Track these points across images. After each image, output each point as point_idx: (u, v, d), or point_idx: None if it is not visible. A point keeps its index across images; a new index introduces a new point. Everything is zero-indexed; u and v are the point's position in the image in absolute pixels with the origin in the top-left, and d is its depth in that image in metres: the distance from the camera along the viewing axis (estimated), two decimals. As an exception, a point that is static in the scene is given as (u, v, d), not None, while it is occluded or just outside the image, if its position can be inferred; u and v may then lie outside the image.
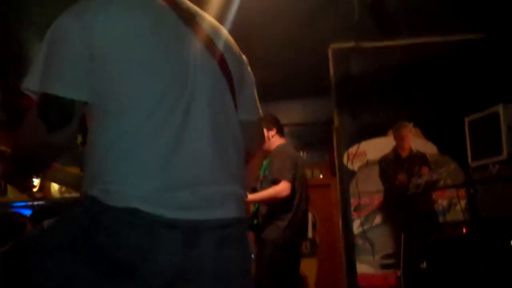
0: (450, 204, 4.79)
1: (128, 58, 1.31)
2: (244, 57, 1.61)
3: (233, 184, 1.40)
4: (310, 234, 7.10)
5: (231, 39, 1.57)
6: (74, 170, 1.70)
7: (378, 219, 4.96)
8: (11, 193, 6.71)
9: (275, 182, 3.91)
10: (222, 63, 1.47)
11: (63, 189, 5.99)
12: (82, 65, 1.29)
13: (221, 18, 3.88)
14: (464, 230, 3.77)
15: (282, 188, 3.87)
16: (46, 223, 1.41)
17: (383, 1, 4.10)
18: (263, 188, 4.05)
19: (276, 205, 3.93)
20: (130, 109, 1.29)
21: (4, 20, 4.34)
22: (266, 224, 3.96)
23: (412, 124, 4.98)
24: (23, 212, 6.19)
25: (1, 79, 5.45)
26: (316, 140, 6.85)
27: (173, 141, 1.29)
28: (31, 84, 1.32)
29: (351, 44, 4.95)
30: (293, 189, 3.93)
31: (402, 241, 4.24)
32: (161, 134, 1.29)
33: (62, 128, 1.31)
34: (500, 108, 3.77)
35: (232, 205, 1.37)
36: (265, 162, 4.23)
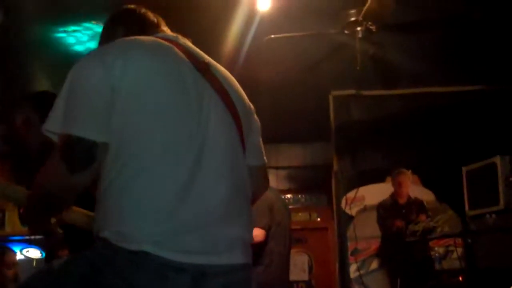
0: (447, 251, 4.82)
1: (145, 103, 1.35)
2: (251, 105, 1.66)
3: (241, 228, 1.43)
4: (306, 276, 7.07)
5: (240, 88, 1.62)
6: (82, 210, 1.72)
7: (375, 264, 4.98)
8: (9, 226, 6.68)
9: None
10: (234, 111, 1.52)
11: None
12: (104, 107, 1.31)
13: (229, 66, 4.01)
14: (460, 279, 3.79)
15: (255, 233, 3.79)
16: (56, 262, 1.43)
17: (384, 51, 4.21)
18: None
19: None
20: (144, 152, 1.32)
21: (5, 53, 4.40)
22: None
23: (410, 171, 5.03)
24: (17, 246, 6.17)
25: (3, 111, 5.51)
26: (315, 183, 6.88)
27: (184, 185, 1.32)
28: (53, 125, 1.33)
29: (351, 91, 5.05)
30: (267, 235, 3.88)
31: (398, 287, 4.25)
32: (172, 177, 1.32)
33: (85, 170, 1.31)
34: (497, 160, 3.86)
35: (239, 251, 1.40)
36: None
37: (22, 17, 3.84)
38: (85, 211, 1.68)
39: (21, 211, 1.60)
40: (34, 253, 6.58)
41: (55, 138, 1.35)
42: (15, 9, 3.68)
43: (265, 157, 1.71)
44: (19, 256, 5.79)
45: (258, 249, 3.83)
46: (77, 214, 1.68)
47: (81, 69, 1.37)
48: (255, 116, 1.67)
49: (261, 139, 1.69)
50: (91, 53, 1.42)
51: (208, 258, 1.31)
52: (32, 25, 3.99)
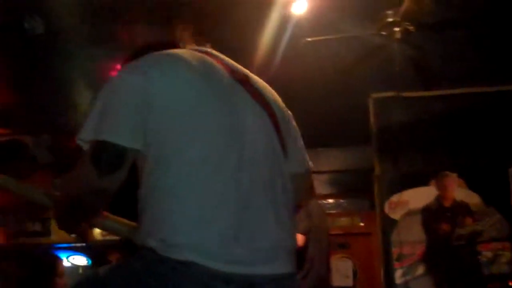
0: (495, 255, 4.68)
1: (183, 111, 1.35)
2: (289, 112, 1.67)
3: (286, 237, 1.42)
4: (350, 282, 7.00)
5: (277, 96, 1.63)
6: (120, 218, 1.74)
7: (421, 270, 4.87)
8: (55, 234, 6.83)
9: None
10: (274, 119, 1.53)
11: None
12: (137, 115, 1.33)
13: (264, 70, 4.01)
14: (510, 283, 3.68)
15: None
16: (102, 270, 1.45)
17: (423, 52, 4.13)
18: None
19: None
20: (184, 161, 1.32)
21: (50, 66, 4.51)
22: None
23: (456, 174, 4.92)
24: (63, 253, 6.29)
25: (51, 123, 5.65)
26: (356, 187, 6.81)
27: (227, 192, 1.32)
28: (86, 135, 1.37)
29: (391, 93, 4.98)
30: (307, 239, 3.82)
31: (446, 293, 4.16)
32: (215, 185, 1.32)
33: (113, 174, 1.33)
34: (544, 160, 3.73)
35: (285, 260, 1.40)
36: None
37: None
38: (123, 219, 1.70)
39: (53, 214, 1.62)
40: (80, 260, 6.72)
41: (86, 147, 1.37)
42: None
43: (309, 163, 1.70)
44: (65, 264, 5.92)
45: (298, 254, 3.80)
46: (113, 221, 1.70)
47: (118, 80, 1.40)
48: (294, 123, 1.67)
49: (302, 144, 1.68)
50: (128, 65, 1.43)
51: (255, 268, 1.31)
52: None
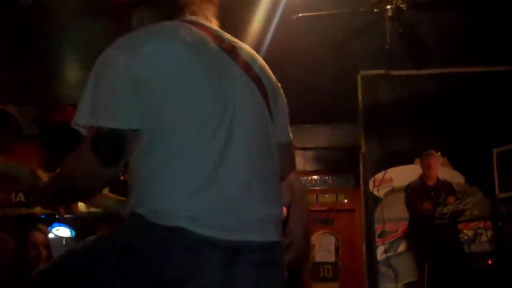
0: (476, 234, 4.75)
1: (173, 86, 1.35)
2: (278, 84, 1.67)
3: (273, 205, 1.44)
4: (332, 258, 7.08)
5: (266, 66, 1.63)
6: (107, 193, 1.74)
7: (402, 247, 4.94)
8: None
9: None
10: (261, 89, 1.53)
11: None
12: (131, 94, 1.32)
13: (256, 45, 3.99)
14: (490, 262, 3.75)
15: None
16: (90, 239, 1.44)
17: (414, 30, 4.13)
18: None
19: None
20: (176, 133, 1.33)
21: (37, 38, 4.44)
22: None
23: (440, 153, 4.97)
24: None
25: (36, 96, 5.59)
26: (342, 164, 6.86)
27: (217, 162, 1.33)
28: (82, 119, 1.34)
29: (380, 71, 4.99)
30: (288, 213, 3.85)
31: (426, 270, 4.23)
32: (205, 155, 1.33)
33: (118, 162, 1.34)
34: (529, 141, 3.78)
35: (272, 229, 1.41)
36: None
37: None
38: (114, 195, 1.70)
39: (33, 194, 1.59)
40: (64, 231, 6.70)
41: (83, 131, 1.36)
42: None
43: (291, 135, 1.71)
44: (50, 235, 5.88)
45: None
46: (104, 198, 1.70)
47: (107, 59, 1.38)
48: (282, 94, 1.68)
49: (287, 116, 1.69)
50: (117, 42, 1.41)
51: (243, 235, 1.33)
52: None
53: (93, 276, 1.32)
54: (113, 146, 1.32)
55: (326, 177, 7.45)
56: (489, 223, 4.52)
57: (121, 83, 1.33)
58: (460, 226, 4.79)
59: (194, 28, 1.48)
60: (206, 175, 1.32)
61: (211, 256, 1.28)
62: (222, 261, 1.29)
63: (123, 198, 1.65)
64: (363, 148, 5.15)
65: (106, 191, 1.72)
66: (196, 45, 1.44)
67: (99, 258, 1.34)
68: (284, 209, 3.62)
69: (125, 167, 1.40)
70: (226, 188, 1.33)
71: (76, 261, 1.38)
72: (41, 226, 3.93)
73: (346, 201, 7.32)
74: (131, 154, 1.36)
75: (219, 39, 1.51)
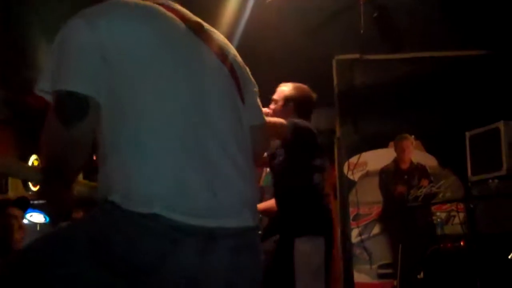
0: (449, 217, 4.83)
1: (135, 60, 1.33)
2: (246, 66, 1.65)
3: (248, 189, 1.43)
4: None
5: (233, 48, 1.61)
6: (82, 180, 1.71)
7: (376, 229, 4.99)
8: (12, 190, 6.70)
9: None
10: (232, 71, 1.52)
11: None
12: (93, 64, 1.31)
13: (230, 29, 3.95)
14: (462, 243, 3.81)
15: (274, 204, 3.76)
16: (63, 225, 1.43)
17: (388, 14, 4.14)
18: (265, 199, 3.99)
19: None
20: (146, 117, 1.31)
21: (7, 16, 4.34)
22: (267, 236, 3.88)
23: (413, 136, 5.02)
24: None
25: (4, 76, 5.46)
26: (317, 148, 6.87)
27: (190, 147, 1.32)
28: (45, 84, 1.35)
29: (355, 56, 5.00)
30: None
31: (400, 252, 4.28)
32: (177, 139, 1.31)
33: (79, 123, 1.31)
34: (501, 125, 3.84)
35: (248, 214, 1.40)
36: (265, 174, 4.18)
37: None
38: (86, 181, 1.67)
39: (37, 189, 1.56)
40: (38, 217, 6.62)
41: (49, 98, 1.35)
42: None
43: (264, 117, 1.70)
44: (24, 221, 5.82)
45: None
46: (82, 186, 1.68)
47: (68, 30, 1.36)
48: (251, 76, 1.66)
49: (258, 99, 1.68)
50: (80, 13, 1.39)
51: (218, 221, 1.31)
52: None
53: (66, 263, 1.30)
54: (73, 107, 1.31)
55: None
56: (461, 206, 4.58)
57: (84, 53, 1.32)
58: (433, 208, 4.85)
59: (157, 6, 1.46)
60: (180, 160, 1.30)
61: (186, 242, 1.27)
62: (197, 247, 1.28)
63: (95, 184, 1.61)
64: (338, 132, 5.17)
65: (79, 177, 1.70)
66: (159, 22, 1.42)
67: (71, 245, 1.32)
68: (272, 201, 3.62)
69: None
70: (201, 173, 1.31)
71: (48, 249, 1.35)
72: (14, 210, 3.88)
73: (321, 184, 7.35)
74: (98, 131, 1.35)
75: (185, 19, 1.49)
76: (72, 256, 1.30)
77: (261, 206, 3.74)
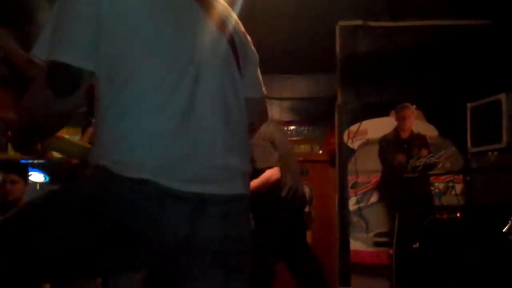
0: (447, 187, 4.83)
1: (134, 29, 1.33)
2: (248, 36, 1.64)
3: (239, 159, 1.43)
4: (306, 208, 7.17)
5: (237, 19, 1.60)
6: (72, 140, 1.72)
7: (374, 198, 5.01)
8: (12, 150, 6.74)
9: (262, 171, 3.68)
10: (231, 41, 1.51)
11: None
12: (90, 35, 1.31)
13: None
14: (458, 215, 3.82)
15: (271, 173, 3.73)
16: (54, 189, 1.45)
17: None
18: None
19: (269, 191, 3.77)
20: (138, 80, 1.31)
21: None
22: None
23: (415, 106, 4.99)
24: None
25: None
26: (319, 115, 6.84)
27: (182, 112, 1.32)
28: (40, 51, 1.35)
29: (359, 22, 4.93)
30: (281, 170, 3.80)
31: (397, 221, 4.30)
32: (169, 104, 1.31)
33: (70, 96, 1.32)
34: (502, 97, 3.81)
35: (238, 181, 1.42)
36: None
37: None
38: (75, 140, 1.68)
39: (9, 134, 1.60)
40: (38, 177, 6.67)
41: (42, 64, 1.35)
42: None
43: (264, 89, 1.69)
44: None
45: (279, 186, 3.79)
46: (68, 143, 1.68)
47: (66, 1, 1.36)
48: (252, 48, 1.65)
49: (259, 71, 1.67)
50: None
51: (208, 187, 1.32)
52: None
53: (57, 224, 1.32)
54: (66, 79, 1.32)
55: (302, 128, 7.44)
56: (460, 177, 4.59)
57: (81, 23, 1.32)
58: (431, 179, 4.86)
59: None
60: (170, 126, 1.31)
61: (176, 207, 1.28)
62: (187, 213, 1.29)
63: (87, 145, 1.67)
64: (339, 99, 5.13)
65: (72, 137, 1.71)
66: None
67: (62, 207, 1.34)
68: (277, 169, 3.61)
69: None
70: (192, 140, 1.32)
71: (39, 211, 1.38)
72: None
73: (321, 152, 7.34)
74: (96, 98, 1.36)
75: None
76: (63, 217, 1.32)
77: (255, 183, 3.62)
